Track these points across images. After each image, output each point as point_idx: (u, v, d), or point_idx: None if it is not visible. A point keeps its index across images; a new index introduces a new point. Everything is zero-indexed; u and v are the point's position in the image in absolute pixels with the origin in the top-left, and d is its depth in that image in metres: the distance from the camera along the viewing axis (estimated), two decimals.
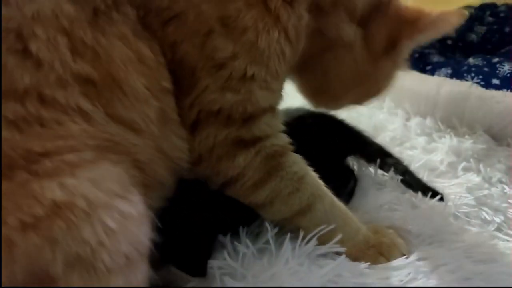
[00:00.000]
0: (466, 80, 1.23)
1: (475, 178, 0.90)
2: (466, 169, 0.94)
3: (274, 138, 0.59)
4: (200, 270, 0.55)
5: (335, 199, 0.62)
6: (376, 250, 0.60)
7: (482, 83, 1.21)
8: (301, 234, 0.59)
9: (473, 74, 1.25)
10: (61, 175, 0.38)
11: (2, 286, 0.34)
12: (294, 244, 0.58)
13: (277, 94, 0.61)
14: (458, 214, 0.78)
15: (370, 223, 0.66)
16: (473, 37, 1.54)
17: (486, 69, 1.25)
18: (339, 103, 0.74)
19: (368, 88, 0.69)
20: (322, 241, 0.58)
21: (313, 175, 0.61)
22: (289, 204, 0.58)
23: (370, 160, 0.86)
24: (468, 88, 1.16)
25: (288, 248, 0.57)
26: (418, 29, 0.62)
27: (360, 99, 0.73)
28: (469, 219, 0.77)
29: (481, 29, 1.53)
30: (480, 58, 1.31)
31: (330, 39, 0.61)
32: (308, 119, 0.82)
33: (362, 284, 0.56)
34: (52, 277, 0.35)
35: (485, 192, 0.85)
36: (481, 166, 0.94)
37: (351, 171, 0.85)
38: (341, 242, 0.58)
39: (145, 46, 0.50)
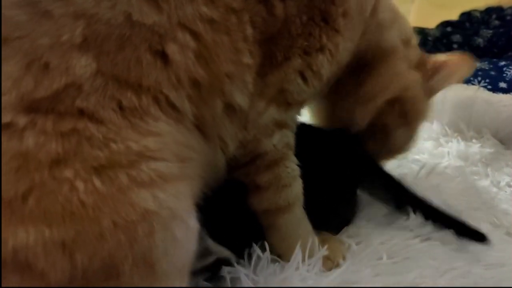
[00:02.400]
0: (473, 84, 1.23)
1: (483, 183, 0.90)
2: (474, 173, 0.94)
3: (291, 133, 0.64)
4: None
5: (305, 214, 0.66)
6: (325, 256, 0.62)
7: (489, 86, 1.22)
8: (310, 241, 0.60)
9: (479, 78, 1.25)
10: (154, 187, 0.42)
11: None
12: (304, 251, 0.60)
13: (316, 95, 0.69)
14: (466, 218, 0.78)
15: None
16: (480, 41, 1.54)
17: (493, 72, 1.26)
18: (374, 102, 0.77)
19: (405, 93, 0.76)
20: (287, 247, 0.61)
21: (301, 182, 0.65)
22: (278, 196, 0.62)
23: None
24: (475, 92, 1.17)
25: (298, 254, 0.58)
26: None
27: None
28: (478, 223, 0.77)
29: (487, 32, 1.53)
30: (486, 62, 1.31)
31: None
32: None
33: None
34: (118, 273, 0.39)
35: (494, 195, 0.85)
36: (489, 170, 0.94)
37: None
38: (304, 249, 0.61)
39: (241, 28, 0.53)
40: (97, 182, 0.39)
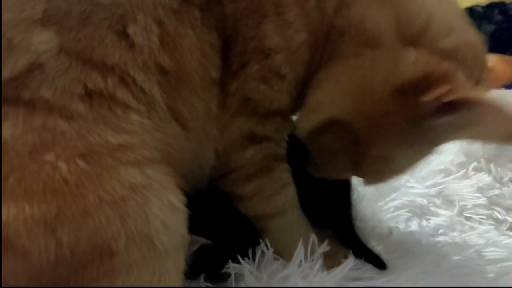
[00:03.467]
0: None
1: (486, 178, 0.90)
2: (477, 169, 0.94)
3: (277, 144, 0.61)
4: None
5: (303, 214, 0.64)
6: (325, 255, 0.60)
7: None
8: (312, 238, 0.60)
9: None
10: (142, 165, 0.42)
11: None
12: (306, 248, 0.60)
13: (293, 102, 0.59)
14: (469, 214, 0.78)
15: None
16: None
17: None
18: (314, 116, 0.61)
19: (365, 124, 0.56)
20: (284, 249, 0.60)
21: (294, 187, 0.63)
22: (265, 204, 0.60)
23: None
24: None
25: (301, 251, 0.58)
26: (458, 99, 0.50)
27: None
28: (481, 219, 0.78)
29: (490, 28, 1.52)
30: None
31: None
32: None
33: (371, 286, 0.57)
34: (111, 251, 0.38)
35: (497, 191, 0.85)
36: (492, 166, 0.94)
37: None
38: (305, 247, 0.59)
39: (207, 30, 0.52)
40: (80, 163, 0.39)
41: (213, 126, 0.55)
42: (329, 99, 0.55)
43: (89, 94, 0.43)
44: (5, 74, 0.40)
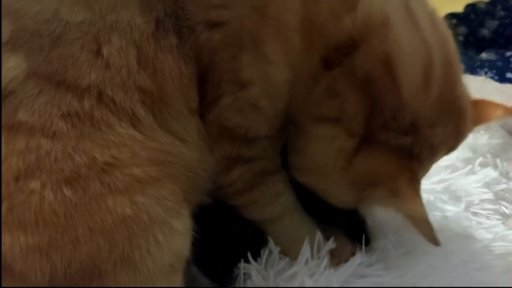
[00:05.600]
0: (480, 75, 1.22)
1: (492, 173, 0.89)
2: (483, 165, 0.93)
3: (267, 161, 0.60)
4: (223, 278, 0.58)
5: (305, 215, 0.63)
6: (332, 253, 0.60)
7: (496, 77, 1.21)
8: (318, 237, 0.60)
9: (486, 69, 1.24)
10: (132, 192, 0.42)
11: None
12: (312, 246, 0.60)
13: (277, 128, 0.58)
14: (476, 209, 0.78)
15: None
16: (485, 32, 1.53)
17: (499, 63, 1.25)
18: (297, 175, 0.62)
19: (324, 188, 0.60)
20: (288, 249, 0.60)
21: (291, 194, 0.62)
22: (260, 212, 0.60)
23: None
24: (482, 83, 1.16)
25: (307, 249, 0.58)
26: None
27: None
28: (488, 214, 0.77)
29: (493, 23, 1.52)
30: (493, 53, 1.31)
31: None
32: None
33: (378, 284, 0.56)
34: (101, 272, 0.39)
35: (503, 186, 0.84)
36: (498, 161, 0.94)
37: None
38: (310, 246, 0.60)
39: (182, 59, 0.50)
40: (67, 192, 0.40)
41: (207, 143, 0.55)
42: (302, 169, 0.59)
43: (67, 115, 0.43)
44: None
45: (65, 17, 0.44)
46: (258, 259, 0.59)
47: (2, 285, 0.38)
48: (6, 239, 0.38)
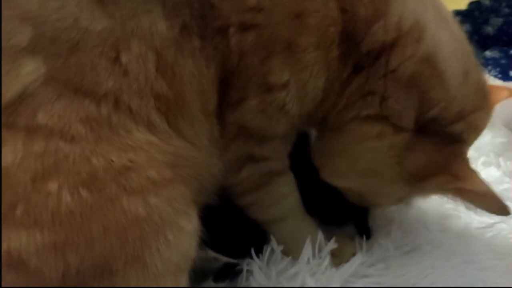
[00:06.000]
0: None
1: (495, 172, 0.89)
2: (485, 164, 0.93)
3: (276, 162, 0.61)
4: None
5: (307, 215, 0.64)
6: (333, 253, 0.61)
7: (499, 75, 1.20)
8: (319, 237, 0.61)
9: (490, 67, 1.24)
10: (145, 193, 0.43)
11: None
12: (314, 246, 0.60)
13: (294, 128, 0.61)
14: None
15: None
16: (489, 29, 1.52)
17: (503, 61, 1.24)
18: (338, 180, 0.64)
19: (371, 194, 0.63)
20: (289, 249, 0.61)
21: (295, 197, 0.63)
22: (264, 213, 0.61)
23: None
24: None
25: (308, 249, 0.59)
26: (454, 188, 0.56)
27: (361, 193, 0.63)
28: (490, 213, 0.77)
29: (497, 21, 1.51)
30: (497, 51, 1.30)
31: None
32: None
33: (379, 283, 0.57)
34: (111, 270, 0.41)
35: (506, 186, 0.84)
36: (501, 160, 0.93)
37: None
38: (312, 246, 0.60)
39: (204, 60, 0.51)
40: (84, 193, 0.40)
41: (216, 147, 0.55)
42: (347, 173, 0.60)
43: (85, 120, 0.43)
44: None
45: (84, 24, 0.45)
46: (260, 255, 0.60)
47: (16, 281, 0.39)
48: (23, 237, 0.39)
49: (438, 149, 0.55)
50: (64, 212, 0.40)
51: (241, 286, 0.58)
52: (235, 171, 0.58)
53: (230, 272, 0.60)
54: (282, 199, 0.61)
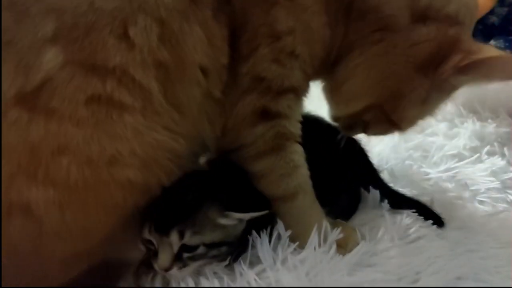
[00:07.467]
0: None
1: (499, 162, 0.89)
2: (490, 153, 0.93)
3: (289, 121, 0.62)
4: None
5: (316, 202, 0.64)
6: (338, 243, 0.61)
7: None
8: (325, 224, 0.61)
9: None
10: (126, 189, 0.53)
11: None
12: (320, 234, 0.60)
13: (307, 79, 0.64)
14: (483, 198, 0.78)
15: None
16: (494, 19, 1.51)
17: (508, 50, 1.23)
18: (353, 104, 0.66)
19: (392, 100, 0.63)
20: (297, 234, 0.60)
21: (306, 171, 0.63)
22: (276, 186, 0.61)
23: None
24: None
25: (315, 237, 0.59)
26: (471, 62, 0.57)
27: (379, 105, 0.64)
28: (495, 203, 0.77)
29: (502, 10, 1.50)
30: (501, 40, 1.29)
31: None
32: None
33: (384, 272, 0.57)
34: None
35: (510, 175, 0.85)
36: (505, 149, 0.94)
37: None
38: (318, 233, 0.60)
39: (217, 25, 0.56)
40: (86, 171, 0.49)
41: (215, 108, 0.59)
42: (365, 89, 0.63)
43: (90, 100, 0.49)
44: (27, 88, 0.48)
45: (99, 5, 0.50)
46: (263, 235, 0.60)
47: (20, 225, 0.48)
48: (40, 191, 0.48)
49: (441, 33, 0.58)
50: (72, 182, 0.49)
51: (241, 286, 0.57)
52: (249, 126, 0.60)
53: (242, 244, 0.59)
54: (294, 170, 0.62)
